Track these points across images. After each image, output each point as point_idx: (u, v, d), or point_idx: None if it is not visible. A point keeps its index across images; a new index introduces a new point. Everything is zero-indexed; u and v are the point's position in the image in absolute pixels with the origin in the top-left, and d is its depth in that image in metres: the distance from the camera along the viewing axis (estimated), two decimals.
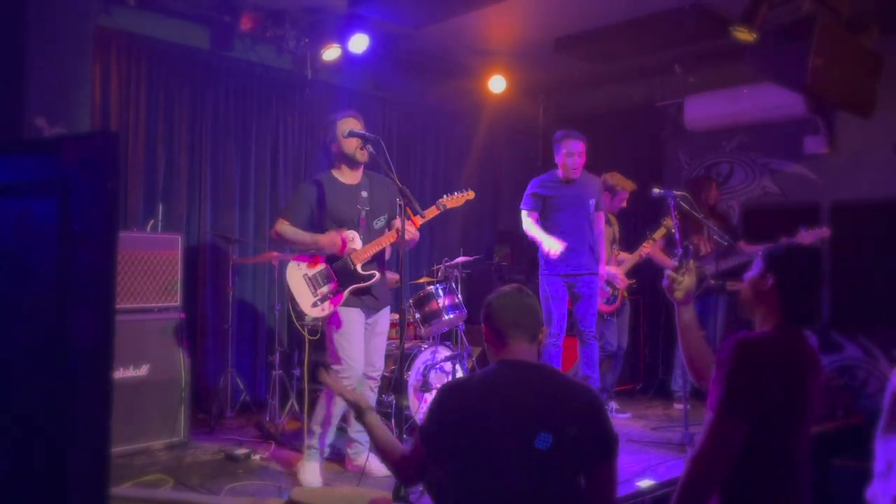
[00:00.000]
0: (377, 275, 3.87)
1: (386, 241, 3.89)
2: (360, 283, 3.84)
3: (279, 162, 5.98)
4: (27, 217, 1.32)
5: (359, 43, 5.66)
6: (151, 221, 5.04)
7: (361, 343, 3.87)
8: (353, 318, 3.84)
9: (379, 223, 3.97)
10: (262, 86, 5.88)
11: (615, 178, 5.60)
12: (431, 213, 3.95)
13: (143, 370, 4.33)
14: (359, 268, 3.83)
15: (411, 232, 3.83)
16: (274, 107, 5.96)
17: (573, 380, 2.26)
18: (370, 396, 4.06)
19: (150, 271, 4.42)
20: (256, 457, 4.23)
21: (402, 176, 6.73)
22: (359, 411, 2.41)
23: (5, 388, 1.35)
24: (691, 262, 2.44)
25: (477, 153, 7.57)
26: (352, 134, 3.81)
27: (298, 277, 3.82)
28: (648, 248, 5.51)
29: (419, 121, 7.15)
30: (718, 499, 2.00)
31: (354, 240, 3.85)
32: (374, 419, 2.38)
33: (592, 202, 5.00)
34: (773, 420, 1.95)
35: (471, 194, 4.13)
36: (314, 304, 3.79)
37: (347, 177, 3.94)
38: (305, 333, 4.29)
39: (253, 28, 5.43)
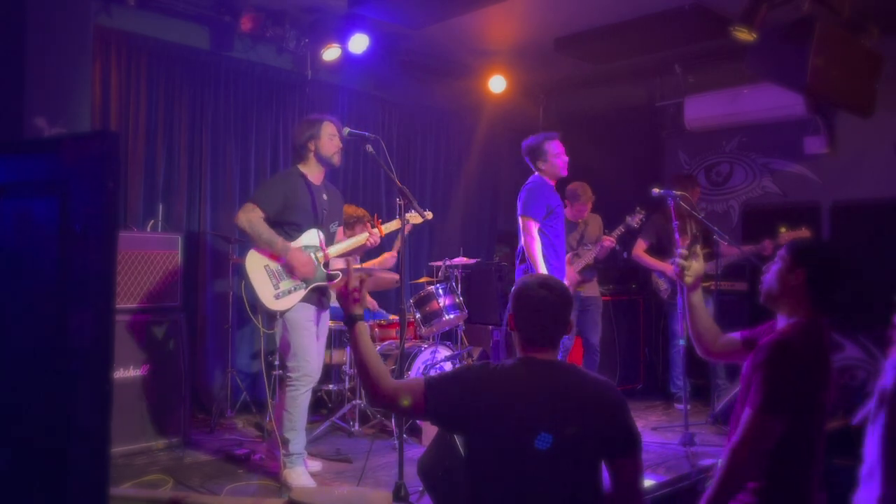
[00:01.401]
0: (341, 274, 3.89)
1: (354, 244, 3.97)
2: (322, 281, 3.87)
3: (279, 162, 5.98)
4: (27, 217, 1.32)
5: (359, 43, 5.66)
6: (151, 221, 5.04)
7: (316, 341, 3.87)
8: (309, 314, 3.85)
9: (333, 228, 4.04)
10: (262, 86, 5.88)
11: (583, 189, 5.59)
12: (392, 226, 4.05)
13: (143, 370, 4.33)
14: (322, 266, 3.85)
15: (376, 238, 3.98)
16: (274, 107, 5.96)
17: (595, 378, 2.22)
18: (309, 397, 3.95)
19: (150, 271, 4.42)
20: (256, 457, 4.22)
21: (402, 176, 6.76)
22: (352, 318, 2.27)
23: (5, 388, 1.35)
24: (698, 247, 2.59)
25: (477, 153, 7.57)
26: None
27: (259, 267, 3.76)
28: (608, 243, 5.48)
29: (419, 121, 7.15)
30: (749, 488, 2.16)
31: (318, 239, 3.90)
32: (364, 330, 2.25)
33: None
34: (805, 414, 2.13)
35: (429, 214, 4.10)
36: (276, 297, 3.75)
37: (314, 177, 3.95)
38: (261, 325, 4.26)
39: (253, 28, 5.43)
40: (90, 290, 1.22)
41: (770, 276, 2.32)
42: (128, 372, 4.25)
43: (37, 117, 2.11)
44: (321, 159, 3.93)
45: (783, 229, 5.23)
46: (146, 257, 4.40)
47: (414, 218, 3.95)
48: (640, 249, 5.85)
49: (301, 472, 3.77)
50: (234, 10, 5.37)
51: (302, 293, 3.80)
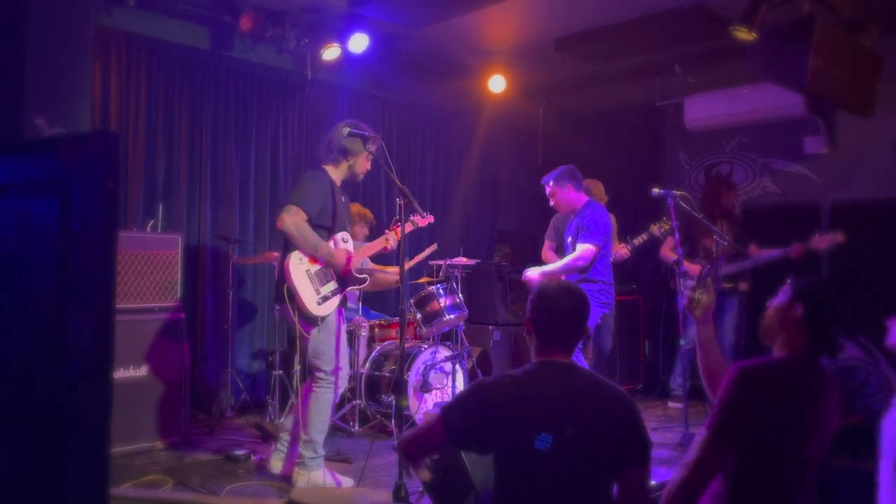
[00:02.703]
0: (368, 278, 3.95)
1: (377, 247, 4.01)
2: (354, 284, 3.91)
3: (279, 162, 5.98)
4: (27, 217, 1.32)
5: (359, 43, 5.66)
6: (151, 221, 5.04)
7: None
8: (338, 318, 3.87)
9: (349, 231, 4.05)
10: (262, 86, 5.88)
11: (595, 186, 5.53)
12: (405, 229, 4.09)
13: (143, 370, 4.33)
14: (353, 270, 3.86)
15: (394, 243, 3.99)
16: (274, 107, 5.96)
17: (608, 383, 2.21)
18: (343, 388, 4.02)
19: (150, 271, 4.42)
20: (256, 457, 4.22)
21: (402, 176, 6.76)
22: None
23: (6, 388, 1.35)
24: (709, 280, 2.52)
25: (477, 153, 7.57)
26: (352, 134, 3.79)
27: (302, 272, 3.71)
28: (624, 252, 5.41)
29: (419, 121, 7.15)
30: None
31: (349, 241, 3.89)
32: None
33: (569, 239, 4.76)
34: (763, 447, 2.01)
35: (430, 217, 4.13)
36: (319, 303, 3.72)
37: (337, 180, 3.92)
38: (297, 325, 4.09)
39: (253, 28, 5.43)
40: (90, 290, 1.22)
41: (770, 310, 2.27)
42: (128, 372, 4.25)
43: (37, 117, 2.11)
44: (352, 172, 3.92)
45: (817, 234, 5.14)
46: (146, 257, 4.40)
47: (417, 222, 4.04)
48: (667, 248, 5.79)
49: (327, 474, 3.76)
50: (234, 10, 5.37)
51: (339, 297, 3.81)
